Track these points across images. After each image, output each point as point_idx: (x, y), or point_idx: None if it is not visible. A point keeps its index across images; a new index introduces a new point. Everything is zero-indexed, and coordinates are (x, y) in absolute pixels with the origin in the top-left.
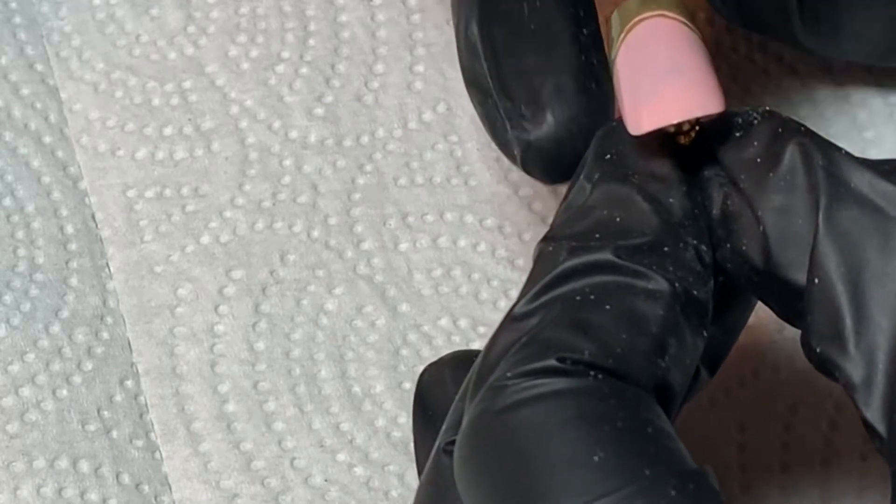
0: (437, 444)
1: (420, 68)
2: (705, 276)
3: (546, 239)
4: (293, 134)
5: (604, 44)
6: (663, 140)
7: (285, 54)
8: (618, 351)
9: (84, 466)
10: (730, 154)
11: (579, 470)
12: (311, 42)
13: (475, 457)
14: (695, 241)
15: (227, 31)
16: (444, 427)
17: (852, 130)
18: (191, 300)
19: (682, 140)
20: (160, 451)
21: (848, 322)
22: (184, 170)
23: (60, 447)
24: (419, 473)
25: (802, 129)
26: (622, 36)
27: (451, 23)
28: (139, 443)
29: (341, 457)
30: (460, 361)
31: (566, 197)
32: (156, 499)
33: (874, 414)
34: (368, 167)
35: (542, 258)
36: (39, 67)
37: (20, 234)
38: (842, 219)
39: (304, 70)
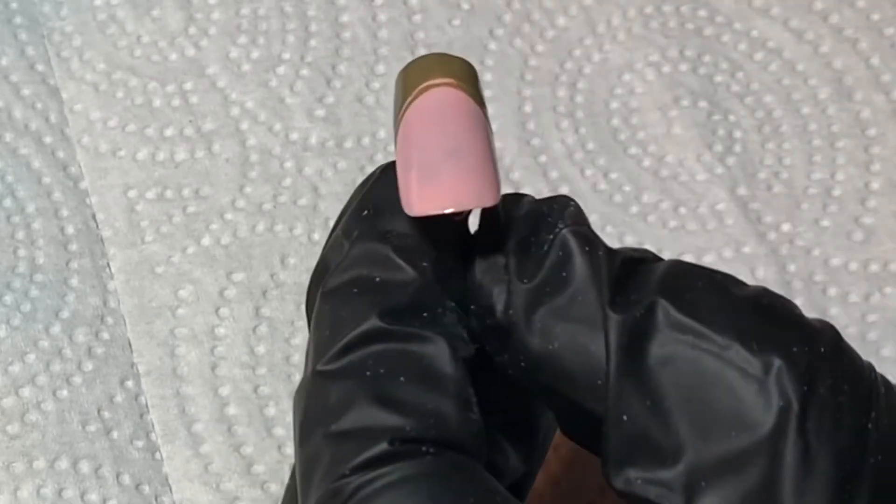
0: None
1: None
2: (465, 337)
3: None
4: (294, 136)
5: None
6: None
7: (286, 55)
8: (432, 421)
9: (84, 467)
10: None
11: None
12: (313, 43)
13: None
14: (452, 304)
15: (228, 32)
16: None
17: (855, 128)
18: (191, 302)
19: (457, 218)
20: (161, 452)
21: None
22: (185, 171)
23: (61, 448)
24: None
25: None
26: (408, 101)
27: (452, 24)
28: (139, 443)
29: None
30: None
31: (324, 248)
32: (156, 499)
33: None
34: (370, 168)
35: (320, 314)
36: (40, 68)
37: (21, 235)
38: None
39: (304, 71)
